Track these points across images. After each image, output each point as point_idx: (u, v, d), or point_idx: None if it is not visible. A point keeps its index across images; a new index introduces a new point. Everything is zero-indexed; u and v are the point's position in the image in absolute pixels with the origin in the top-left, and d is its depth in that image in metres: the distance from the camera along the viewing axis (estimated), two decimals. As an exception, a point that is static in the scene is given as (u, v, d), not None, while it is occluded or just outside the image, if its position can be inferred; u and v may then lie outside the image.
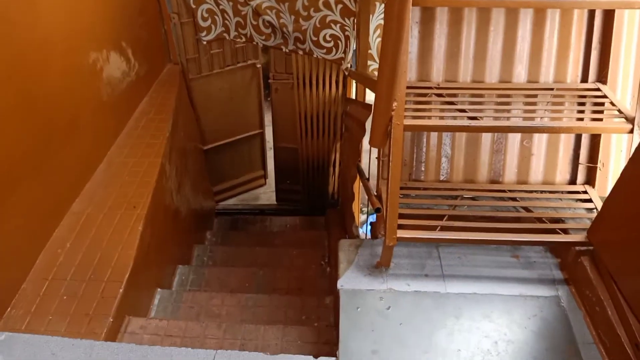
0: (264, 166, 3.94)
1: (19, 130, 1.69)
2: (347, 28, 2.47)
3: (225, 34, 2.83)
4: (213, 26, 2.78)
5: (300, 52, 2.74)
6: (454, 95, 1.62)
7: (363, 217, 3.52)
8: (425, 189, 1.68)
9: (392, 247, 1.48)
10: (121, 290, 1.73)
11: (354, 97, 2.84)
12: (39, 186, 1.81)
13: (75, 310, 1.66)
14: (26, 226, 1.77)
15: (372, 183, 1.90)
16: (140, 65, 2.62)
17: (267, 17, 2.69)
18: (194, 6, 2.66)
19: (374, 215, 1.69)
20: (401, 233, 1.46)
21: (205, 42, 2.86)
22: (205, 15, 2.72)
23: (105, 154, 2.30)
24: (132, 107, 2.57)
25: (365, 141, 1.69)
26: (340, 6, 2.42)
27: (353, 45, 2.50)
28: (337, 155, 3.35)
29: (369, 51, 2.38)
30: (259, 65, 3.27)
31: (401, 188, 1.63)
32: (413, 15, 1.61)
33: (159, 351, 1.35)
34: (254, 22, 2.75)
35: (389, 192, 1.44)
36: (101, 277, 1.77)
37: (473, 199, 1.67)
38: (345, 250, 1.62)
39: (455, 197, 1.66)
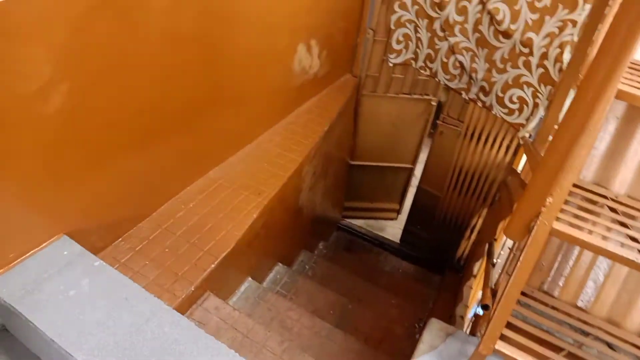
0: (401, 201, 3.80)
1: (196, 83, 1.84)
2: (539, 95, 2.20)
3: (412, 61, 2.76)
4: (404, 50, 2.73)
5: (480, 104, 2.54)
6: (632, 217, 1.30)
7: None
8: (553, 307, 1.38)
9: (484, 357, 1.25)
10: (213, 266, 1.78)
11: (519, 170, 2.54)
12: (191, 141, 1.95)
13: (168, 266, 1.75)
14: (167, 171, 1.92)
15: (497, 272, 1.65)
16: (322, 66, 2.69)
17: (460, 58, 2.54)
18: (393, 27, 2.64)
19: (480, 309, 1.46)
20: (501, 346, 1.22)
21: (391, 64, 2.83)
22: (401, 39, 2.68)
23: (258, 136, 2.41)
24: (299, 102, 2.66)
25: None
26: (541, 70, 2.17)
27: (540, 114, 2.22)
28: (479, 222, 3.05)
29: (555, 126, 2.09)
30: (434, 103, 3.13)
31: (524, 294, 1.37)
32: (615, 107, 1.33)
33: (210, 343, 1.34)
34: (445, 60, 2.63)
35: (505, 293, 1.21)
36: (202, 246, 1.85)
37: (609, 346, 1.32)
38: (432, 331, 1.42)
39: (587, 334, 1.34)
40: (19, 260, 1.42)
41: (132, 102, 1.58)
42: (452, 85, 2.70)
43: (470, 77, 2.57)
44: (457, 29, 2.50)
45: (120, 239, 1.80)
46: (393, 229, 3.93)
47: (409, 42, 2.70)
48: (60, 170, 1.45)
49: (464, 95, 2.65)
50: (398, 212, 3.87)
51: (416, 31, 2.66)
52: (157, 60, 1.60)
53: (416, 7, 2.57)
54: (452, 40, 2.52)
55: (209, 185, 2.11)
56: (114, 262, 1.72)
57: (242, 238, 1.93)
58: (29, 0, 1.13)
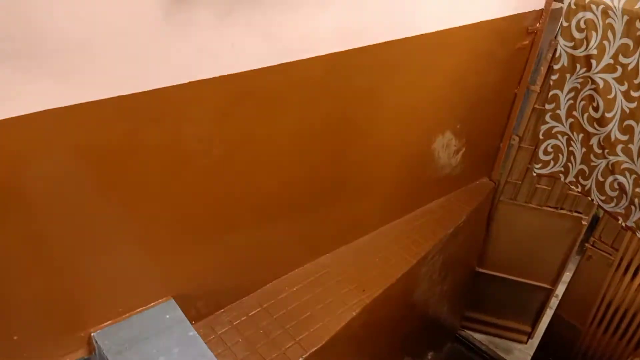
0: (533, 324, 3.33)
1: (321, 170, 1.90)
2: None
3: (561, 175, 2.50)
4: (552, 162, 2.50)
5: (639, 234, 2.16)
6: None
7: None
8: None
9: None
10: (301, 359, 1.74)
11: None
12: (307, 225, 1.99)
13: (258, 349, 1.75)
14: (279, 251, 1.97)
15: None
16: (457, 166, 2.59)
17: (620, 179, 2.23)
18: (542, 137, 2.45)
19: None
20: None
21: (535, 174, 2.60)
22: (550, 150, 2.46)
23: (375, 229, 2.36)
24: (425, 200, 2.56)
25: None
26: None
27: None
28: (629, 373, 2.52)
29: None
30: (584, 223, 2.76)
31: None
32: None
33: None
34: (601, 179, 2.33)
35: None
36: (295, 335, 1.82)
37: None
38: None
39: None
40: (126, 315, 1.55)
41: (258, 181, 1.69)
42: (607, 207, 2.36)
43: (632, 203, 2.22)
44: (619, 148, 2.22)
45: (223, 310, 1.87)
46: (521, 354, 3.45)
47: (559, 154, 2.46)
48: (183, 235, 1.58)
49: (620, 221, 2.29)
50: (529, 335, 3.39)
51: (569, 144, 2.42)
52: (287, 146, 1.70)
53: (571, 120, 2.35)
54: (612, 159, 2.24)
55: (316, 272, 2.10)
56: (211, 332, 1.78)
57: (337, 335, 1.86)
58: (192, 88, 1.31)
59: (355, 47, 1.65)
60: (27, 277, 1.28)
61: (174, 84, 1.27)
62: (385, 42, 1.73)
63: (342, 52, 1.62)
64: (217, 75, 1.35)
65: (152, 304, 1.61)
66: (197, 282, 1.71)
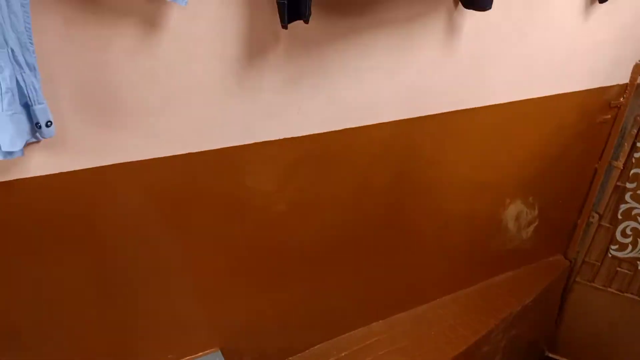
0: None
1: (378, 230, 1.86)
2: None
3: (638, 262, 2.28)
4: (630, 246, 2.29)
5: None
6: None
7: None
8: None
9: None
10: None
11: None
12: (360, 286, 1.94)
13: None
14: (330, 311, 1.93)
15: None
16: (527, 240, 2.44)
17: None
18: (620, 217, 2.26)
19: None
20: None
21: (610, 255, 2.39)
22: (629, 232, 2.27)
23: (434, 298, 2.26)
24: (490, 273, 2.43)
25: None
26: None
27: None
28: None
29: None
30: (675, 315, 2.47)
31: None
32: None
33: None
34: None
35: None
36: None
37: None
38: None
39: None
40: (173, 363, 1.58)
41: (314, 239, 1.70)
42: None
43: None
44: None
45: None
46: None
47: (638, 238, 2.25)
48: (235, 286, 1.61)
49: None
50: None
51: (651, 228, 2.22)
52: (346, 206, 1.70)
53: (655, 201, 2.17)
54: None
55: (368, 338, 2.03)
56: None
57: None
58: (257, 149, 1.38)
59: (422, 115, 1.65)
60: (87, 308, 1.36)
61: (240, 144, 1.34)
62: (454, 111, 1.72)
63: (408, 119, 1.63)
64: (281, 137, 1.40)
65: (201, 353, 1.63)
66: (245, 336, 1.71)
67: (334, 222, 1.71)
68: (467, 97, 1.73)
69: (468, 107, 1.75)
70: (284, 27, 1.15)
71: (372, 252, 1.90)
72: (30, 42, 0.90)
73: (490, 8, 1.42)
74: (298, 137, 1.44)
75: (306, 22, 1.14)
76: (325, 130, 1.48)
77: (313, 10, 1.20)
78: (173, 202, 1.35)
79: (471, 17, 1.53)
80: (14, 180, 1.09)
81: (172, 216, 1.37)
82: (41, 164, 1.10)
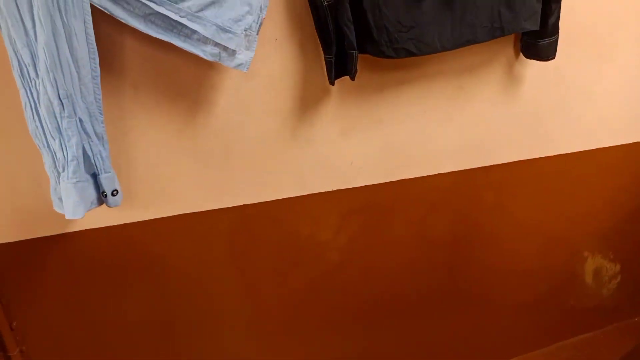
0: None
1: (433, 283, 1.79)
2: None
3: None
4: None
5: None
6: None
7: None
8: None
9: None
10: None
11: None
12: (414, 341, 1.85)
13: None
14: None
15: None
16: (609, 297, 2.23)
17: None
18: None
19: None
20: None
21: None
22: None
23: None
24: (566, 334, 2.22)
25: None
26: None
27: None
28: None
29: None
30: None
31: None
32: None
33: None
34: None
35: None
36: None
37: None
38: None
39: None
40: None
41: (367, 290, 1.66)
42: None
43: None
44: None
45: None
46: None
47: None
48: (286, 334, 1.59)
49: None
50: None
51: None
52: (402, 257, 1.66)
53: None
54: None
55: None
56: None
57: None
58: (310, 200, 1.39)
59: (483, 165, 1.59)
60: (145, 349, 1.41)
61: (294, 196, 1.36)
62: (519, 162, 1.65)
63: (468, 170, 1.58)
64: (334, 189, 1.41)
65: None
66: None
67: (389, 275, 1.66)
68: (533, 146, 1.65)
69: (534, 156, 1.66)
70: (331, 83, 1.17)
71: (429, 307, 1.81)
72: (99, 112, 0.97)
73: (554, 57, 1.36)
74: (351, 189, 1.43)
75: (352, 79, 1.16)
76: (379, 182, 1.46)
77: (363, 63, 1.22)
78: (229, 251, 1.39)
79: (533, 66, 1.48)
80: (80, 230, 1.18)
81: (228, 264, 1.41)
82: (106, 215, 1.18)
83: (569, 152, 1.72)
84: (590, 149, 1.75)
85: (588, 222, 1.99)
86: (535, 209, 1.81)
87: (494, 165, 1.61)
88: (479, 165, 1.59)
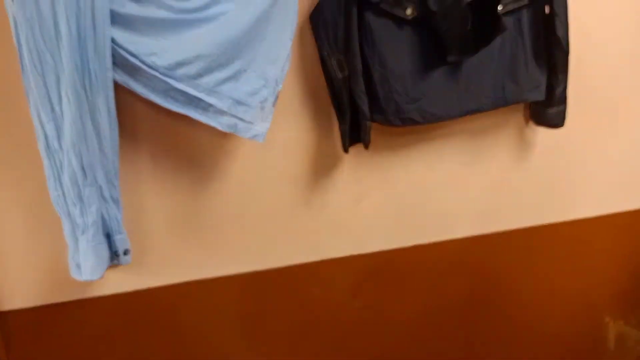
0: None
1: (450, 344, 1.75)
2: None
3: None
4: None
5: None
6: None
7: None
8: None
9: None
10: None
11: None
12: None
13: None
14: None
15: None
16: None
17: None
18: None
19: None
20: None
21: None
22: None
23: None
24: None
25: None
26: None
27: None
28: None
29: None
30: None
31: None
32: None
33: None
34: None
35: None
36: None
37: None
38: None
39: None
40: None
41: (381, 355, 1.61)
42: None
43: None
44: None
45: None
46: None
47: None
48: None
49: None
50: None
51: None
52: (415, 321, 1.61)
53: None
54: None
55: None
56: None
57: None
58: (322, 266, 1.38)
59: (496, 231, 1.58)
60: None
61: (306, 262, 1.35)
62: (532, 227, 1.63)
63: (482, 235, 1.56)
64: (347, 255, 1.40)
65: None
66: None
67: (405, 341, 1.61)
68: (547, 211, 1.63)
69: (549, 221, 1.64)
70: (345, 151, 1.20)
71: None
72: (115, 179, 1.01)
73: (562, 126, 1.38)
74: (366, 254, 1.43)
75: (366, 147, 1.18)
76: (393, 247, 1.45)
77: (376, 129, 1.25)
78: (241, 318, 1.37)
79: (544, 131, 1.49)
80: (93, 297, 1.18)
81: (240, 331, 1.38)
82: (118, 282, 1.19)
83: (584, 217, 1.69)
84: (606, 213, 1.73)
85: (608, 287, 1.93)
86: (552, 274, 1.76)
87: (508, 231, 1.59)
88: (494, 231, 1.58)
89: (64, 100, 0.93)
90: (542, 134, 1.50)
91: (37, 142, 0.98)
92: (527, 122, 1.48)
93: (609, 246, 1.83)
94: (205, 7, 0.99)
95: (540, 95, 1.31)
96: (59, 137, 0.97)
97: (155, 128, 1.12)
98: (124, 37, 0.93)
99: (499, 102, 1.28)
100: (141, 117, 1.11)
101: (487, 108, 1.28)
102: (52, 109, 0.95)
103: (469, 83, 1.22)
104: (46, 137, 0.97)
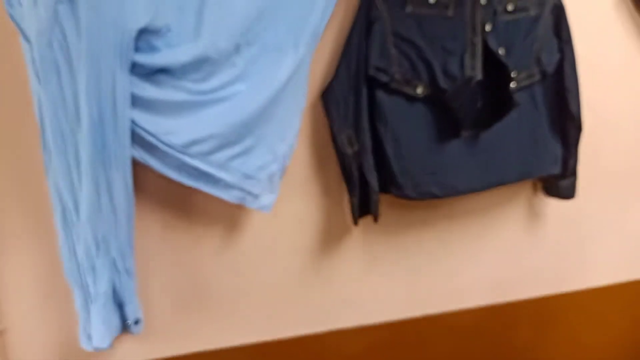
0: None
1: None
2: None
3: None
4: None
5: None
6: None
7: None
8: None
9: None
10: None
11: None
12: None
13: None
14: None
15: None
16: None
17: None
18: None
19: None
20: None
21: None
22: None
23: None
24: None
25: None
26: None
27: None
28: None
29: None
30: None
31: None
32: None
33: None
34: None
35: None
36: None
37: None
38: None
39: None
40: None
41: None
42: None
43: None
44: None
45: None
46: None
47: None
48: None
49: None
50: None
51: None
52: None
53: None
54: None
55: None
56: None
57: None
58: (331, 337, 1.35)
59: (509, 301, 1.54)
60: None
61: (314, 332, 1.34)
62: (545, 297, 1.59)
63: (494, 305, 1.53)
64: (356, 325, 1.38)
65: None
66: None
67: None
68: (560, 281, 1.59)
69: (561, 291, 1.60)
70: (355, 224, 1.20)
71: None
72: (130, 251, 1.03)
73: (573, 197, 1.37)
74: (376, 325, 1.40)
75: (375, 221, 1.19)
76: (403, 317, 1.43)
77: (386, 201, 1.25)
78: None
79: (554, 203, 1.49)
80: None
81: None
82: (129, 352, 1.19)
83: (597, 285, 1.65)
84: (619, 282, 1.68)
85: (623, 355, 1.85)
86: (567, 343, 1.70)
87: (521, 301, 1.56)
88: (506, 301, 1.54)
89: (83, 176, 0.97)
90: (552, 206, 1.49)
91: (54, 215, 1.02)
92: (535, 192, 1.47)
93: (623, 314, 1.76)
94: (220, 87, 1.04)
95: (558, 168, 1.32)
96: (77, 211, 1.00)
97: (166, 199, 1.15)
98: (143, 118, 0.98)
99: (524, 175, 1.29)
100: (154, 190, 1.14)
101: (512, 180, 1.28)
102: (72, 184, 0.99)
103: (489, 156, 1.23)
104: (64, 210, 1.00)
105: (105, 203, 0.99)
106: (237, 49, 1.03)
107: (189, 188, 1.07)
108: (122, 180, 0.99)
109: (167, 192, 1.15)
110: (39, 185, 1.06)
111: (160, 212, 1.16)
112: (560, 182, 1.36)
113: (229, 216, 1.20)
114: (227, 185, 1.07)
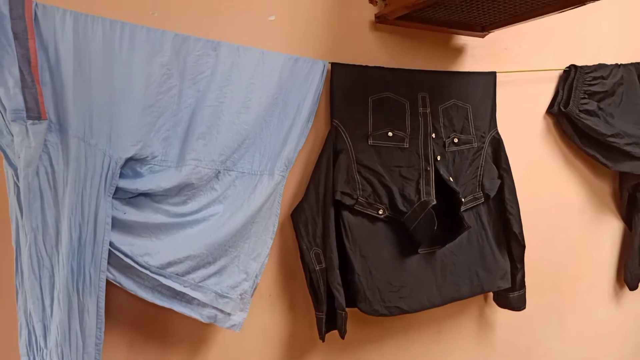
0: None
1: None
2: None
3: None
4: None
5: None
6: None
7: None
8: None
9: None
10: None
11: None
12: None
13: None
14: None
15: None
16: None
17: None
18: None
19: None
20: None
21: None
22: None
23: None
24: None
25: None
26: None
27: None
28: None
29: None
30: None
31: None
32: None
33: None
34: None
35: None
36: None
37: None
38: None
39: None
40: None
41: None
42: None
43: None
44: None
45: None
46: None
47: None
48: None
49: None
50: None
51: None
52: None
53: None
54: None
55: None
56: None
57: None
58: None
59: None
60: None
61: None
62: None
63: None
64: None
65: None
66: None
67: None
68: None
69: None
70: (322, 339, 1.22)
71: None
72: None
73: (524, 308, 1.47)
74: None
75: (342, 337, 1.22)
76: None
77: (350, 318, 1.29)
78: None
79: (504, 312, 1.58)
80: None
81: None
82: None
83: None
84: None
85: None
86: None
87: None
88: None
89: (55, 302, 0.96)
90: (501, 315, 1.60)
91: (19, 339, 0.98)
92: (487, 302, 1.57)
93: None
94: (198, 210, 1.09)
95: (508, 282, 1.43)
96: (45, 337, 0.97)
97: (134, 317, 1.14)
98: (121, 240, 1.00)
99: (476, 290, 1.38)
100: (123, 309, 1.13)
101: (466, 296, 1.37)
102: (44, 309, 0.97)
103: (445, 272, 1.33)
104: (30, 335, 0.97)
105: (75, 329, 0.97)
106: (216, 175, 1.10)
107: (156, 307, 1.07)
108: (94, 305, 0.98)
109: (134, 312, 1.14)
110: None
111: (127, 331, 1.14)
112: (510, 295, 1.47)
113: (196, 333, 1.20)
114: (200, 305, 1.08)
